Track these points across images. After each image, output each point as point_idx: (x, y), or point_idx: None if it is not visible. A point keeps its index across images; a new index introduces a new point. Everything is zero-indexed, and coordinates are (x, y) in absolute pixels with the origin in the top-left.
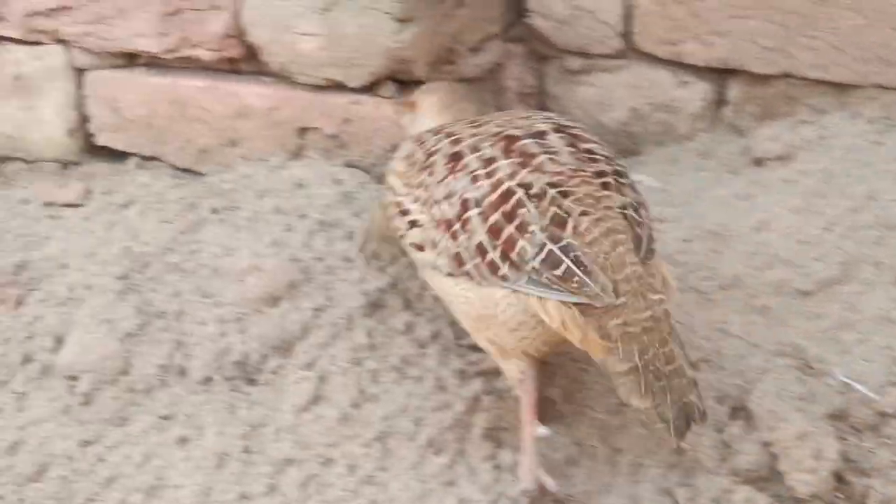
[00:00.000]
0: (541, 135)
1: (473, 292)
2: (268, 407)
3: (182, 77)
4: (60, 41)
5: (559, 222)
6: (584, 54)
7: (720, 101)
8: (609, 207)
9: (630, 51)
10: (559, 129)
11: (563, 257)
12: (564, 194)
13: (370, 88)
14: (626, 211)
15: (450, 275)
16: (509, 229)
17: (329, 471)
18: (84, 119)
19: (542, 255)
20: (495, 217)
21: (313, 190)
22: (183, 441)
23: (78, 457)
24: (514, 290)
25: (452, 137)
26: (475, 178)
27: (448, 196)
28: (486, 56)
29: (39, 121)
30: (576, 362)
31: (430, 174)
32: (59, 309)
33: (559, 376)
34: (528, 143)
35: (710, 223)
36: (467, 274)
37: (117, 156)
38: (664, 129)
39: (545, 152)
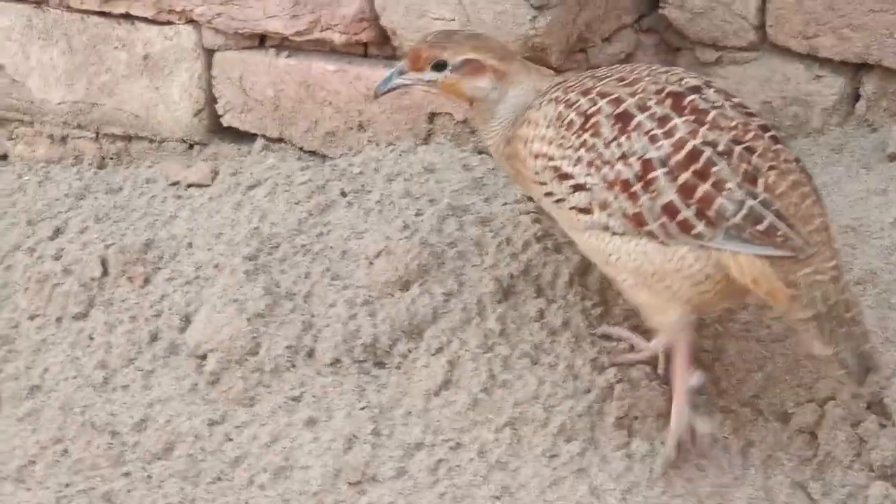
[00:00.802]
0: (698, 90)
1: (653, 250)
2: (397, 390)
3: (312, 59)
4: (191, 21)
5: (751, 178)
6: (716, 46)
7: (854, 96)
8: (787, 161)
9: (764, 43)
10: (707, 84)
11: (766, 212)
12: (749, 150)
13: None
14: (800, 163)
15: (621, 234)
16: (704, 187)
17: (459, 455)
18: (211, 100)
19: (744, 212)
20: (686, 176)
21: (443, 175)
22: (311, 423)
23: (205, 435)
24: (703, 247)
25: (608, 97)
26: (653, 138)
27: (623, 157)
28: (618, 46)
29: (167, 101)
30: (707, 352)
31: (594, 135)
32: (186, 288)
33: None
34: (697, 100)
35: (846, 218)
36: (649, 233)
37: (243, 137)
38: (796, 123)
39: (713, 108)
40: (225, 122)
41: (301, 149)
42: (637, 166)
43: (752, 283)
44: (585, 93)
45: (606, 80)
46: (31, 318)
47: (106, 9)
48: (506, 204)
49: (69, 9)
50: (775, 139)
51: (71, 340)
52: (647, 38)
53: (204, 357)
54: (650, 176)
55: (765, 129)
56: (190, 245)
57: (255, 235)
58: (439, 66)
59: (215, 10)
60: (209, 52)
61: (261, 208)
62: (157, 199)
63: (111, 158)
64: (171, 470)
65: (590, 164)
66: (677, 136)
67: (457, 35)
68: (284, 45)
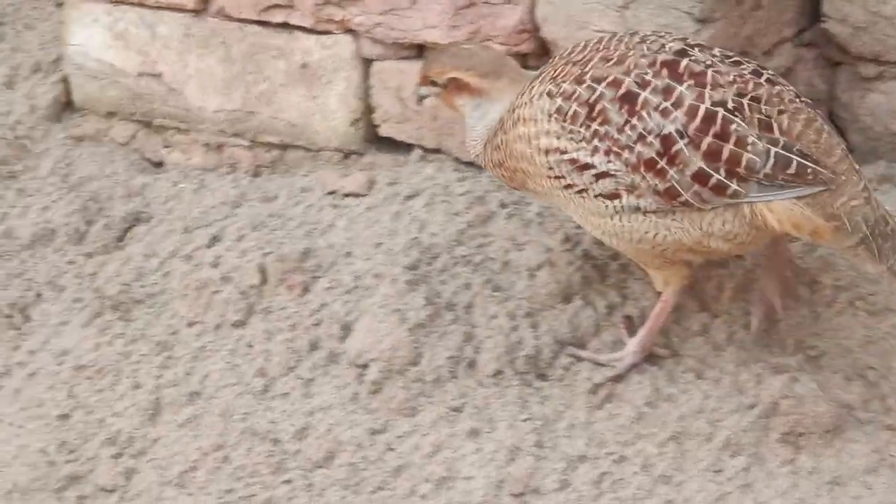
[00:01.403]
0: (686, 53)
1: (689, 220)
2: (560, 402)
3: None
4: (349, 31)
5: (766, 127)
6: (878, 61)
7: None
8: (792, 101)
9: None
10: (688, 43)
11: (790, 155)
12: (755, 99)
13: None
14: (803, 98)
15: (654, 212)
16: (728, 147)
17: (623, 469)
18: (368, 109)
19: (771, 160)
20: (708, 141)
21: None
22: (474, 433)
23: (367, 445)
24: (736, 205)
25: (605, 81)
26: (665, 112)
27: (641, 138)
28: (778, 60)
29: (323, 110)
30: (873, 369)
31: (604, 123)
32: (345, 297)
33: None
34: (690, 63)
35: None
36: (684, 203)
37: (399, 147)
38: None
39: (707, 67)
40: (382, 132)
41: (458, 160)
42: (657, 144)
43: (793, 229)
44: (579, 81)
45: (591, 63)
46: (190, 324)
47: (264, 18)
48: None
49: (228, 18)
50: (772, 82)
51: (230, 348)
52: (806, 52)
53: (365, 366)
54: (674, 150)
55: (758, 74)
56: (348, 254)
57: (415, 245)
58: (433, 84)
59: (374, 20)
60: (367, 62)
61: (419, 219)
62: (313, 209)
63: (266, 167)
64: (332, 478)
65: (608, 151)
66: (687, 103)
67: (447, 53)
68: None
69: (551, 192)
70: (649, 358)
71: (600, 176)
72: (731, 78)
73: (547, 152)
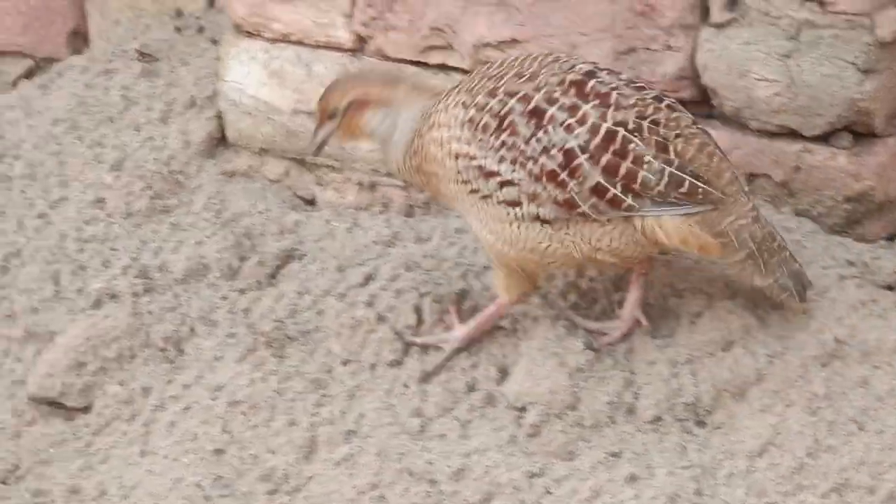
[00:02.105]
0: (594, 74)
1: (581, 233)
2: (720, 451)
3: None
4: None
5: (662, 148)
6: None
7: None
8: (688, 126)
9: None
10: (596, 66)
11: (683, 175)
12: (655, 122)
13: (823, 138)
14: (698, 125)
15: (553, 220)
16: (626, 165)
17: None
18: None
19: (665, 179)
20: (607, 158)
21: None
22: (632, 479)
23: (524, 487)
24: (626, 218)
25: (516, 96)
26: (569, 128)
27: (545, 150)
28: None
29: None
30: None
31: (512, 134)
32: (502, 340)
33: None
34: (596, 84)
35: None
36: (582, 214)
37: None
38: None
39: (612, 89)
40: None
41: None
42: (560, 157)
43: (681, 244)
44: (492, 94)
45: (505, 77)
46: (345, 363)
47: (422, 59)
48: (826, 268)
49: (385, 57)
50: (671, 108)
51: (386, 387)
52: None
53: (523, 409)
54: (575, 163)
55: (659, 100)
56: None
57: (573, 290)
58: (332, 115)
59: None
60: None
61: None
62: (468, 250)
63: (419, 207)
64: None
65: (513, 161)
66: (590, 121)
67: (340, 81)
68: None
69: (458, 197)
70: (810, 408)
71: (504, 183)
72: (633, 101)
73: (457, 157)
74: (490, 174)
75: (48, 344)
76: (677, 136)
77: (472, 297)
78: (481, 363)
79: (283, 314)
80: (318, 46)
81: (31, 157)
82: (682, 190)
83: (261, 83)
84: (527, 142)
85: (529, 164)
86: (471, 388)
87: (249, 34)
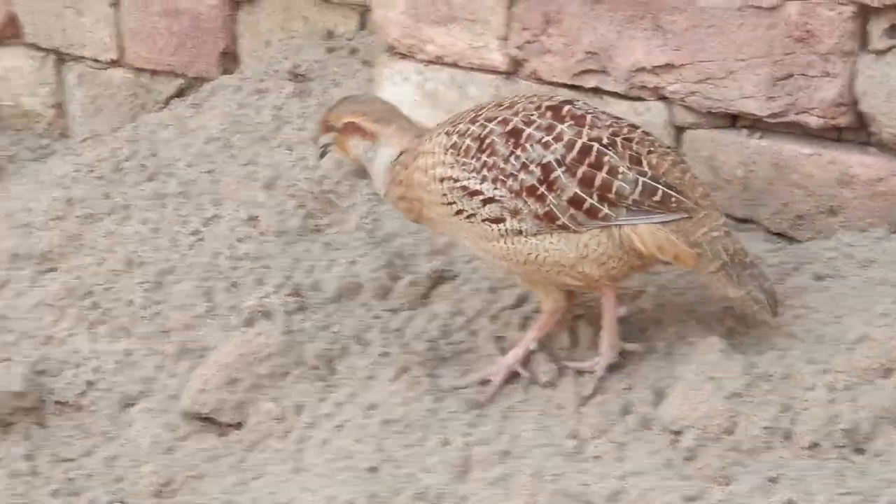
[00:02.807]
0: (570, 102)
1: (565, 241)
2: (879, 478)
3: (783, 141)
4: (662, 98)
5: (636, 161)
6: None
7: None
8: (661, 146)
9: None
10: (574, 99)
11: (657, 185)
12: (628, 140)
13: None
14: (673, 149)
15: (536, 234)
16: (601, 175)
17: None
18: None
19: (639, 188)
20: (583, 170)
21: None
22: None
23: None
24: (605, 228)
25: (495, 120)
26: (546, 145)
27: (524, 166)
28: None
29: None
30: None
31: (492, 154)
32: (657, 363)
33: None
34: (572, 108)
35: None
36: (561, 226)
37: None
38: None
39: (587, 113)
40: None
41: (768, 230)
42: (538, 172)
43: (657, 251)
44: (473, 121)
45: (486, 107)
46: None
47: (577, 82)
48: None
49: (539, 80)
50: (646, 133)
51: (540, 408)
52: None
53: (679, 433)
54: (552, 177)
55: (634, 127)
56: (658, 322)
57: (729, 315)
58: (330, 129)
59: (689, 89)
60: (679, 130)
61: None
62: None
63: None
64: None
65: (494, 179)
66: (566, 138)
67: (346, 101)
68: (756, 126)
69: (444, 219)
70: None
71: (487, 201)
72: (608, 122)
73: (442, 180)
74: (473, 193)
75: (201, 360)
76: (650, 152)
77: (629, 321)
78: (636, 386)
79: (436, 334)
80: (471, 69)
81: (184, 175)
82: (656, 198)
83: (415, 104)
84: (506, 160)
85: (510, 181)
86: (626, 411)
87: (403, 56)
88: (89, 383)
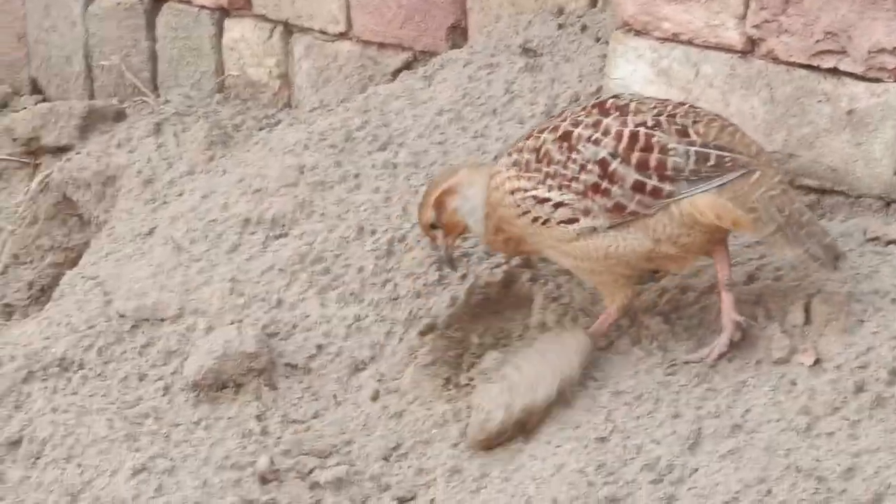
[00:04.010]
0: (617, 96)
1: (638, 228)
2: None
3: None
4: None
5: (683, 134)
6: None
7: None
8: (707, 114)
9: None
10: (618, 94)
11: (708, 150)
12: (672, 115)
13: None
14: (721, 116)
15: (609, 228)
16: (654, 156)
17: None
18: None
19: (693, 158)
20: (636, 156)
21: None
22: None
23: None
24: (666, 208)
25: (547, 129)
26: (596, 142)
27: (582, 167)
28: None
29: (867, 157)
30: None
31: (550, 163)
32: (892, 342)
33: None
34: (617, 101)
35: None
36: (632, 213)
37: None
38: None
39: (632, 100)
40: None
41: None
42: (596, 169)
43: (717, 220)
44: (528, 137)
45: (541, 125)
46: (729, 359)
47: (814, 62)
48: None
49: (776, 60)
50: (692, 106)
51: (772, 384)
52: None
53: None
54: (610, 170)
55: (680, 104)
56: (894, 300)
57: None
58: (433, 225)
59: None
60: None
61: None
62: (853, 254)
63: None
64: None
65: (560, 186)
66: (613, 130)
67: (422, 200)
68: None
69: (525, 230)
70: None
71: (557, 206)
72: (652, 105)
73: (513, 192)
74: (543, 200)
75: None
76: (696, 122)
77: (860, 299)
78: (871, 364)
79: (667, 308)
80: (706, 47)
81: (415, 146)
82: (711, 163)
83: (647, 81)
84: (564, 165)
85: (573, 184)
86: (859, 389)
87: (638, 33)
88: (319, 347)
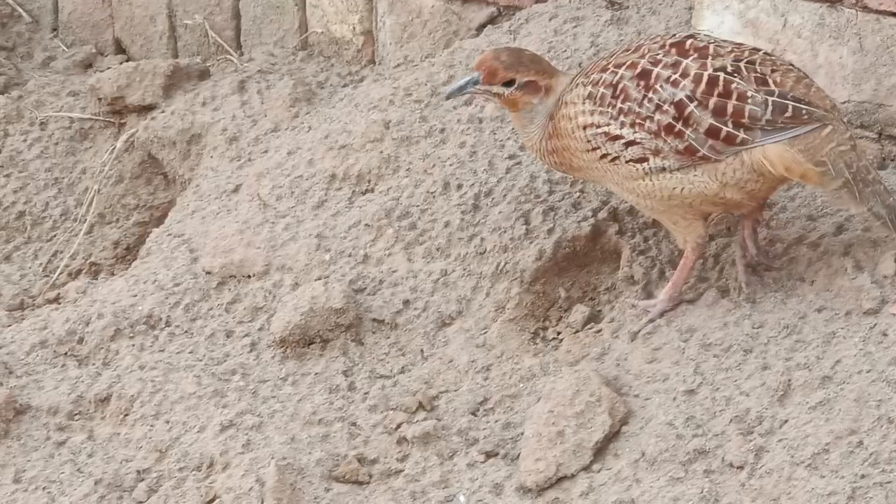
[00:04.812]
0: (693, 36)
1: (706, 172)
2: None
3: None
4: None
5: (762, 82)
6: None
7: None
8: (784, 64)
9: None
10: (696, 32)
11: (786, 101)
12: (751, 62)
13: None
14: (796, 66)
15: (678, 169)
16: (732, 103)
17: None
18: None
19: (770, 108)
20: (713, 101)
21: None
22: None
23: None
24: (738, 155)
25: (624, 65)
26: (675, 83)
27: (658, 108)
28: None
29: None
30: None
31: (626, 100)
32: None
33: None
34: (694, 41)
35: None
36: (703, 157)
37: None
38: None
39: (709, 43)
40: None
41: None
42: (672, 110)
43: (785, 171)
44: (604, 69)
45: (616, 54)
46: (819, 310)
47: None
48: None
49: (865, 9)
50: (767, 54)
51: (862, 335)
52: None
53: None
54: (686, 112)
55: (756, 49)
56: None
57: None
58: (509, 83)
59: None
60: None
61: None
62: None
63: (892, 160)
64: None
65: (633, 124)
66: (692, 73)
67: (523, 57)
68: None
69: (590, 165)
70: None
71: (629, 144)
72: (729, 49)
73: (585, 128)
74: (615, 138)
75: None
76: (774, 70)
77: None
78: None
79: (755, 261)
80: None
81: None
82: (788, 114)
83: (734, 32)
84: (640, 104)
85: (647, 123)
86: None
87: None
88: (406, 302)
